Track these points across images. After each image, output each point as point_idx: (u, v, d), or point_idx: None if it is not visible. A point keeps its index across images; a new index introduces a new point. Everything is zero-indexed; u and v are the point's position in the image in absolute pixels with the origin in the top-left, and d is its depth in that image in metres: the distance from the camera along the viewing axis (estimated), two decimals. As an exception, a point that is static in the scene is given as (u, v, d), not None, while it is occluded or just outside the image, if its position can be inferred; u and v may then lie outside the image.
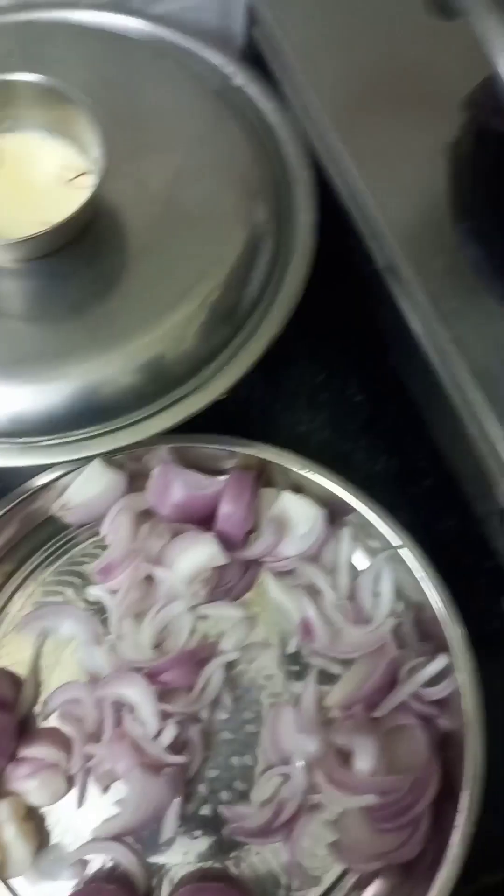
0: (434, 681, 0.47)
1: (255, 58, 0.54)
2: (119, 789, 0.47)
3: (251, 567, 0.52)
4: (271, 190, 0.49)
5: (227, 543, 0.50)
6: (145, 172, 0.46)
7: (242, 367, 0.45)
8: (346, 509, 0.51)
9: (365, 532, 0.51)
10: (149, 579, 0.51)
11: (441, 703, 0.47)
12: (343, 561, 0.52)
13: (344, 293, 0.54)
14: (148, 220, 0.46)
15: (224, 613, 0.51)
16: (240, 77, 0.52)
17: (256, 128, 0.51)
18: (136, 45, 0.51)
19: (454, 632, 0.47)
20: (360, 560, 0.52)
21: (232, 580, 0.52)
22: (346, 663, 0.50)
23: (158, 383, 0.44)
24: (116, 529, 0.50)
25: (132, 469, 0.52)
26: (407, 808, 0.43)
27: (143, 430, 0.43)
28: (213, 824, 0.47)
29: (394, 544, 0.49)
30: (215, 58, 0.52)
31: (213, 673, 0.49)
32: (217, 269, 0.45)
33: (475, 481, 0.45)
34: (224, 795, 0.48)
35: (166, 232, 0.45)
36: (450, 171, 0.44)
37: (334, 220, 0.48)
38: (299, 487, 0.52)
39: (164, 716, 0.47)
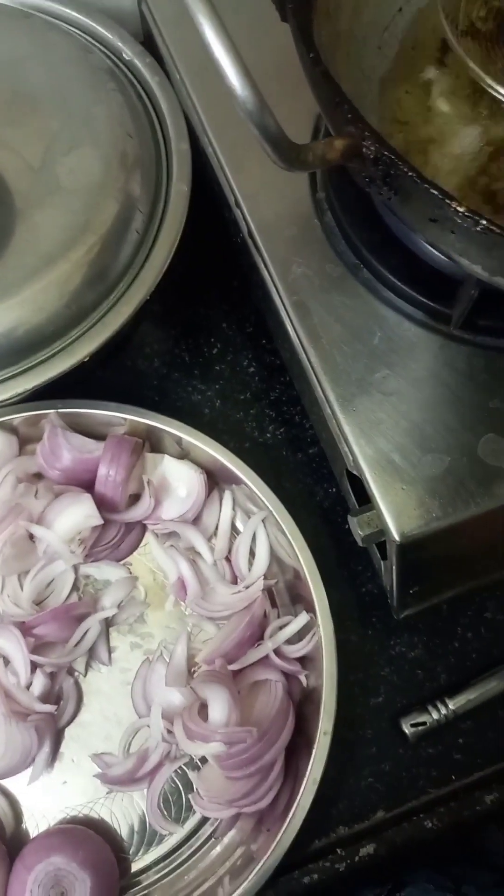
0: (296, 639, 0.49)
1: (149, 33, 0.55)
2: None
3: (136, 529, 0.54)
4: (150, 161, 0.50)
5: (108, 505, 0.52)
6: (21, 142, 0.48)
7: (110, 329, 0.47)
8: (230, 475, 0.52)
9: (246, 497, 0.53)
10: (34, 538, 0.53)
11: (305, 661, 0.49)
12: (223, 524, 0.53)
13: (234, 268, 0.55)
14: (22, 187, 0.47)
15: (106, 572, 0.53)
16: (128, 52, 0.53)
17: (142, 101, 0.52)
18: (24, 16, 0.53)
19: (317, 593, 0.48)
20: (243, 525, 0.54)
21: (115, 540, 0.53)
22: (223, 623, 0.51)
23: (22, 345, 0.45)
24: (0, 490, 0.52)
25: (25, 433, 0.54)
26: (255, 758, 0.45)
27: (2, 390, 0.45)
28: (82, 771, 0.49)
29: (270, 509, 0.50)
30: (106, 32, 0.54)
31: (90, 628, 0.51)
32: (86, 238, 0.47)
33: (329, 445, 0.46)
34: (95, 744, 0.50)
35: (38, 200, 0.47)
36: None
37: (211, 189, 0.50)
38: (186, 454, 0.54)
39: (38, 667, 0.49)
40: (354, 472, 0.42)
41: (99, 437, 0.53)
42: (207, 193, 0.51)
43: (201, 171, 0.51)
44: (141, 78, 0.53)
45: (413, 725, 0.48)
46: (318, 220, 0.45)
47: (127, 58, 0.53)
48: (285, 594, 0.52)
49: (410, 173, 0.26)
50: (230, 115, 0.47)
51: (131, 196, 0.48)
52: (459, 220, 0.26)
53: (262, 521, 0.52)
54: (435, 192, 0.26)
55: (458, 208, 0.26)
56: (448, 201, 0.26)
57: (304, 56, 0.31)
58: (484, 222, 0.26)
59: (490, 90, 0.37)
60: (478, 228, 0.26)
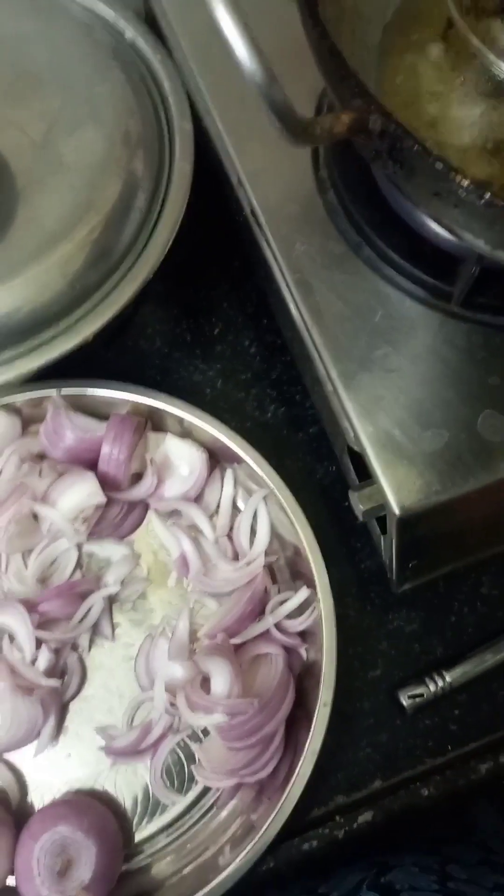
0: (297, 614, 0.50)
1: (151, 12, 0.55)
2: None
3: (139, 507, 0.55)
4: (152, 140, 0.50)
5: (111, 484, 0.53)
6: (24, 120, 0.48)
7: (114, 307, 0.47)
8: (232, 454, 0.53)
9: (247, 476, 0.53)
10: (38, 517, 0.53)
11: (306, 636, 0.50)
12: (225, 502, 0.54)
13: (236, 247, 0.55)
14: (25, 165, 0.47)
15: (109, 550, 0.54)
16: (130, 31, 0.53)
17: (144, 80, 0.52)
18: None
19: (317, 569, 0.49)
20: (244, 503, 0.54)
21: (117, 519, 0.54)
22: (224, 599, 0.52)
23: (25, 325, 0.46)
24: (3, 470, 0.52)
25: (28, 414, 0.54)
26: (256, 728, 0.46)
27: (7, 371, 0.45)
28: (86, 744, 0.50)
29: (271, 487, 0.51)
30: (109, 10, 0.54)
31: (94, 604, 0.52)
32: (89, 217, 0.47)
33: (330, 422, 0.47)
34: (99, 718, 0.51)
35: (41, 179, 0.47)
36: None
37: (214, 169, 0.50)
38: (188, 433, 0.54)
39: (43, 642, 0.50)
40: (356, 448, 0.43)
41: (102, 417, 0.54)
42: (209, 173, 0.51)
43: (203, 150, 0.51)
44: (143, 56, 0.53)
45: (410, 697, 0.49)
46: (320, 198, 0.45)
47: (129, 36, 0.53)
48: (286, 570, 0.53)
49: (416, 146, 0.27)
50: (234, 95, 0.48)
51: (134, 174, 0.49)
52: (464, 194, 0.27)
53: (263, 498, 0.52)
54: (441, 166, 0.26)
55: (463, 181, 0.26)
56: (453, 174, 0.26)
57: (310, 30, 0.31)
58: (488, 195, 0.26)
59: (493, 69, 0.37)
60: (482, 202, 0.27)
